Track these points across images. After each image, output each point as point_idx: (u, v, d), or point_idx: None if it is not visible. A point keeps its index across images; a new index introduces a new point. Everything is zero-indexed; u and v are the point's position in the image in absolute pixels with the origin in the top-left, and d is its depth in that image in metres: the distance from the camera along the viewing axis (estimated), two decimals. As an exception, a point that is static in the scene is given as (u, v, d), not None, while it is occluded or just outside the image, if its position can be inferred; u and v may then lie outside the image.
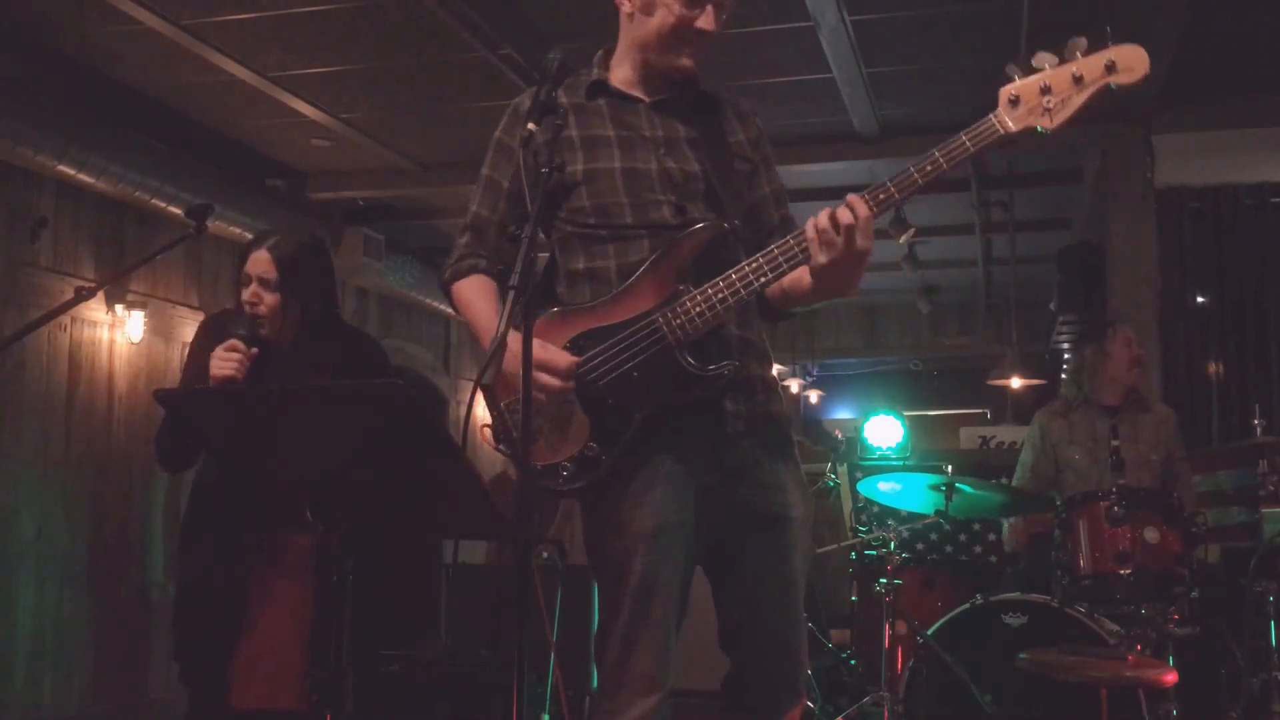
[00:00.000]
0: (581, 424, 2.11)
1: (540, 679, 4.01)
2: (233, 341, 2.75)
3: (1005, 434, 7.81)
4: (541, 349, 2.05)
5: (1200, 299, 6.03)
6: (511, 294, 1.81)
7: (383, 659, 4.17)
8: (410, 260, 8.35)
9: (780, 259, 2.06)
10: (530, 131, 2.00)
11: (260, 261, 2.83)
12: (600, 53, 2.31)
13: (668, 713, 2.13)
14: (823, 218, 1.98)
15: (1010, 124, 1.98)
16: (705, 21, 2.16)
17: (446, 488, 1.94)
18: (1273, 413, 5.15)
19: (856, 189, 2.02)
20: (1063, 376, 8.46)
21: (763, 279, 2.06)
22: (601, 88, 2.26)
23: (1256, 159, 6.06)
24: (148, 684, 6.23)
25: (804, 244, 2.03)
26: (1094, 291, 6.36)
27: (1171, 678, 3.17)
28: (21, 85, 5.32)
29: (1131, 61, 1.97)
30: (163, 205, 6.03)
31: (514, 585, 1.75)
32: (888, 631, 4.18)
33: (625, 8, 2.23)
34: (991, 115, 2.00)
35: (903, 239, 7.65)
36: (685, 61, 2.20)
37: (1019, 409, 9.83)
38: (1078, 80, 1.98)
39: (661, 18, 2.16)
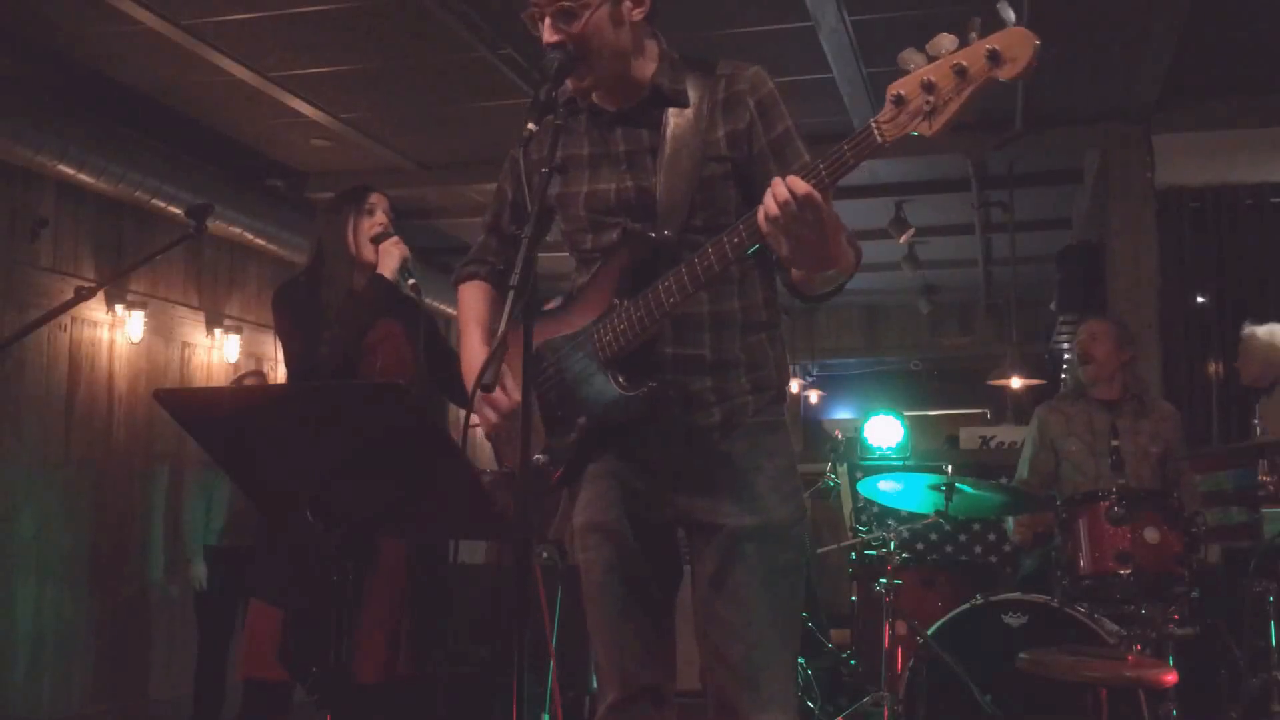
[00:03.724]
0: (541, 434, 2.14)
1: (540, 679, 4.01)
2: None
3: (1005, 434, 7.82)
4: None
5: (1200, 299, 6.03)
6: (511, 294, 1.80)
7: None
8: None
9: (699, 272, 1.94)
10: (530, 131, 1.99)
11: (383, 199, 3.23)
12: None
13: (642, 711, 2.15)
14: (769, 202, 1.79)
15: (890, 132, 1.74)
16: (546, 34, 2.05)
17: (446, 488, 1.94)
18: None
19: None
20: (1062, 376, 8.50)
21: (671, 299, 1.97)
22: (576, 103, 2.15)
23: (1256, 159, 6.06)
24: (148, 684, 6.24)
25: (719, 256, 1.92)
26: (1094, 291, 6.37)
27: (1171, 678, 3.17)
28: (21, 85, 5.33)
29: (1016, 48, 1.67)
30: (163, 205, 6.03)
31: (514, 585, 1.75)
32: (888, 631, 4.18)
33: None
34: (872, 121, 1.77)
35: (903, 239, 7.65)
36: (571, 82, 2.08)
37: (1019, 409, 9.83)
38: (960, 74, 1.70)
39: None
